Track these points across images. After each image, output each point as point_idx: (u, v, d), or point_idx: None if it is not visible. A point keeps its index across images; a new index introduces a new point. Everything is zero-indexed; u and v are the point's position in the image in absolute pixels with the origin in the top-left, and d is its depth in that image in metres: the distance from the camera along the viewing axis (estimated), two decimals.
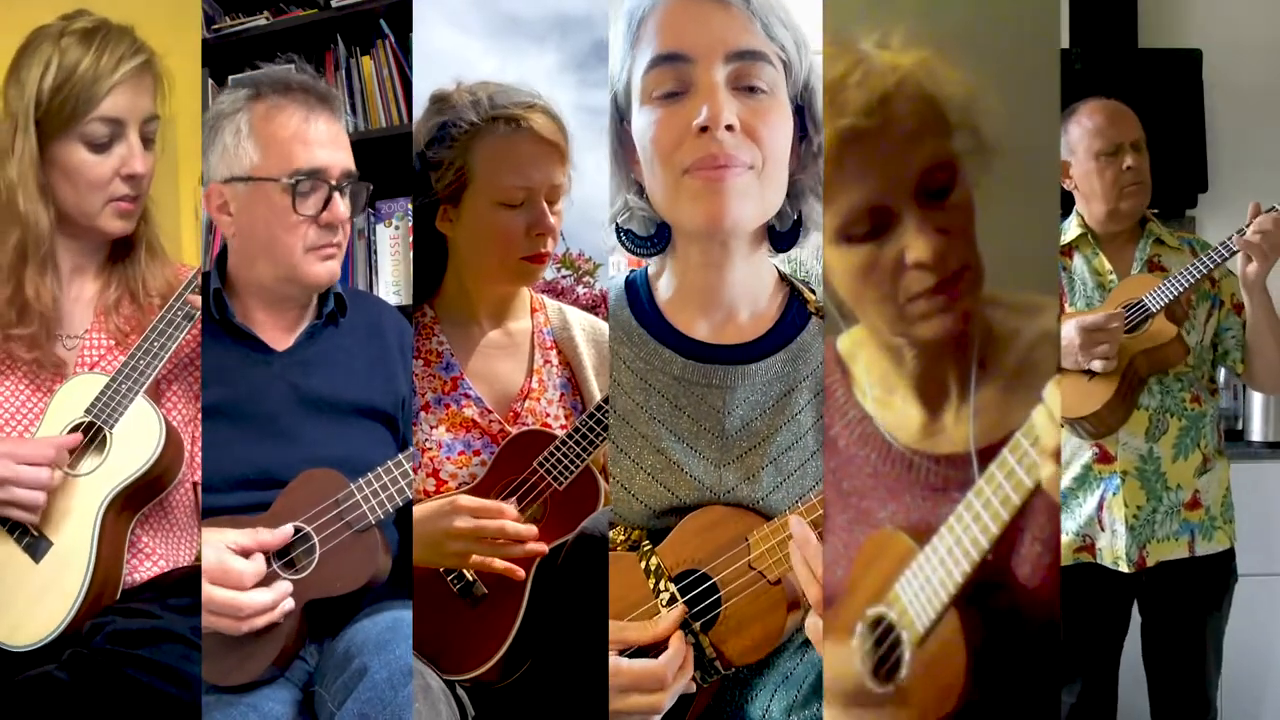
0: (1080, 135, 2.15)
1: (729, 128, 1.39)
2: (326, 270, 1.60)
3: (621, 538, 1.48)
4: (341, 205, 1.57)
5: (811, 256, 2.02)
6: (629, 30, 1.43)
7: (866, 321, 1.24)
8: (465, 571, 1.54)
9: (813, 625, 1.35)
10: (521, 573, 1.50)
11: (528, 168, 1.57)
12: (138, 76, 1.56)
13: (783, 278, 1.58)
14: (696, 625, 1.42)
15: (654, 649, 1.40)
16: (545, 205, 1.58)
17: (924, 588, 1.17)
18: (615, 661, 1.38)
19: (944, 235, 1.17)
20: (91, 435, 1.53)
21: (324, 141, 1.57)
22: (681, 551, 1.45)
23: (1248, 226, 2.04)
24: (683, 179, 1.42)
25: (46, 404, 1.56)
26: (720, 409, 1.50)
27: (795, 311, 1.55)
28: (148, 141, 1.59)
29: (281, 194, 1.55)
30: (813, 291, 1.57)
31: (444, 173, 1.58)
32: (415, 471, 1.55)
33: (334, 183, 1.57)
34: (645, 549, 1.45)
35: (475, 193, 1.59)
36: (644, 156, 1.46)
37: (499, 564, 1.49)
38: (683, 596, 1.43)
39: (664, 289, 1.56)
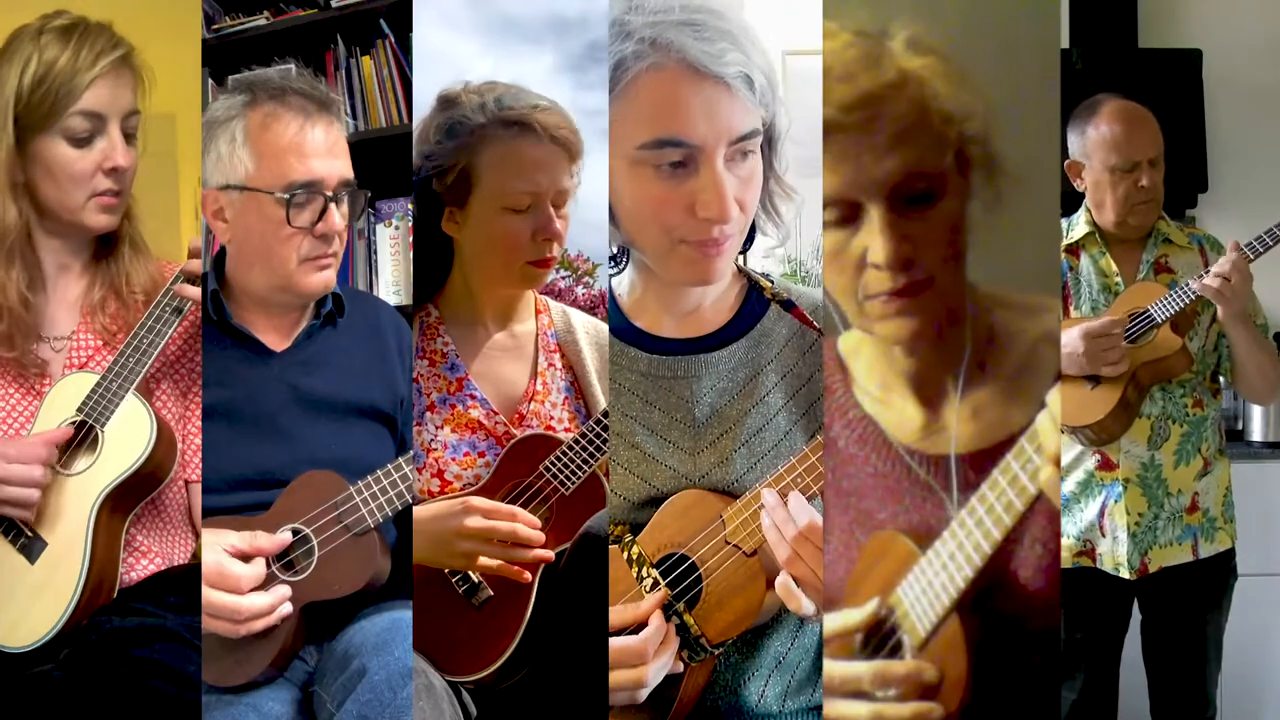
0: (1098, 143, 2.11)
1: None
2: (321, 280, 1.59)
3: None
4: (337, 216, 1.56)
5: (811, 257, 2.02)
6: (612, 76, 1.39)
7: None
8: (470, 573, 1.54)
9: (782, 583, 1.36)
10: (528, 576, 1.50)
11: (534, 172, 1.57)
12: (117, 71, 1.56)
13: (739, 269, 1.58)
14: (680, 605, 1.43)
15: (637, 629, 1.41)
16: (551, 210, 1.58)
17: (926, 591, 1.17)
18: None
19: (910, 243, 1.16)
20: (83, 434, 1.53)
21: (320, 151, 1.55)
22: (660, 536, 1.46)
23: (1201, 278, 2.02)
24: (679, 246, 1.42)
25: (37, 406, 1.56)
26: (689, 399, 1.51)
27: (754, 300, 1.56)
28: (129, 137, 1.58)
29: (275, 206, 1.53)
30: (770, 281, 1.58)
31: (449, 175, 1.57)
32: (419, 472, 1.55)
33: (330, 194, 1.55)
34: (627, 541, 1.47)
35: (481, 196, 1.58)
36: (635, 214, 1.44)
37: (507, 566, 1.49)
38: (664, 579, 1.44)
39: (625, 294, 1.56)
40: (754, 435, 1.50)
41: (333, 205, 1.55)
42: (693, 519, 1.46)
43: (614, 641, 1.39)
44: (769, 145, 1.45)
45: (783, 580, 1.36)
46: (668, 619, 1.42)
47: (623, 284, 1.56)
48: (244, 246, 1.59)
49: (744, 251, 1.54)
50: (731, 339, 1.53)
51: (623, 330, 1.54)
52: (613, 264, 1.54)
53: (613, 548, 1.46)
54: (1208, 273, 2.02)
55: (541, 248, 1.58)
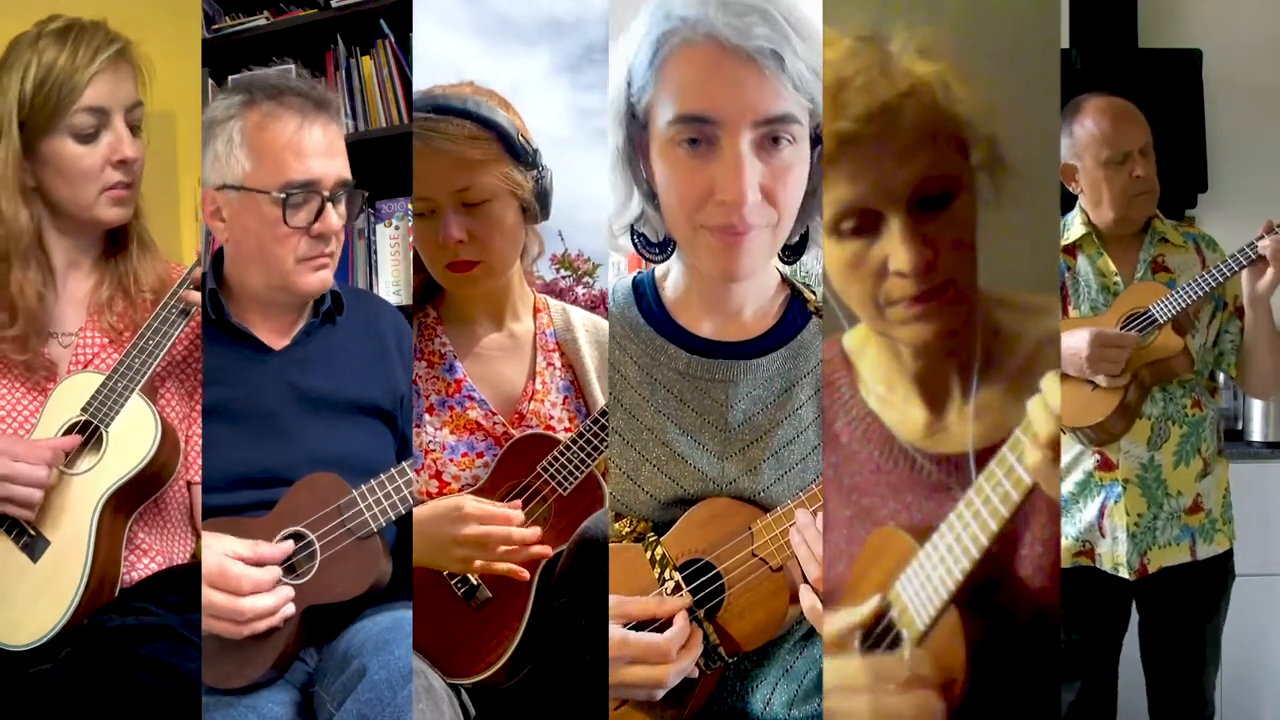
0: (1086, 141, 2.10)
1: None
2: (318, 280, 1.59)
3: (626, 529, 1.48)
4: (334, 216, 1.56)
5: (812, 258, 2.03)
6: (653, 55, 1.37)
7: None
8: (469, 575, 1.54)
9: (811, 605, 1.36)
10: (526, 574, 1.50)
11: (426, 181, 1.56)
12: (115, 65, 1.58)
13: (784, 279, 1.58)
14: (700, 612, 1.43)
15: (659, 627, 1.41)
16: (452, 214, 1.55)
17: (924, 586, 1.17)
18: (621, 634, 1.39)
19: (931, 248, 1.16)
20: (88, 434, 1.53)
21: (318, 151, 1.55)
22: (686, 541, 1.46)
23: (1259, 240, 2.00)
24: (700, 232, 1.41)
25: (42, 403, 1.56)
26: (723, 403, 1.51)
27: (796, 311, 1.56)
28: (134, 129, 1.60)
29: (272, 205, 1.53)
30: (813, 293, 1.58)
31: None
32: (418, 474, 1.55)
33: (326, 193, 1.55)
34: (650, 540, 1.46)
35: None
36: (663, 198, 1.43)
37: (503, 567, 1.49)
38: (687, 584, 1.44)
39: (670, 290, 1.56)
40: (784, 447, 1.50)
41: (329, 205, 1.56)
42: (719, 527, 1.46)
43: (640, 637, 1.39)
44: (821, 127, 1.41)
45: (814, 605, 1.35)
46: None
47: (669, 279, 1.56)
48: (241, 246, 1.59)
49: (794, 261, 1.52)
50: (771, 348, 1.53)
51: (664, 325, 1.54)
52: (658, 251, 1.53)
53: (635, 546, 1.47)
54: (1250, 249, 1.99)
55: (448, 251, 1.57)
